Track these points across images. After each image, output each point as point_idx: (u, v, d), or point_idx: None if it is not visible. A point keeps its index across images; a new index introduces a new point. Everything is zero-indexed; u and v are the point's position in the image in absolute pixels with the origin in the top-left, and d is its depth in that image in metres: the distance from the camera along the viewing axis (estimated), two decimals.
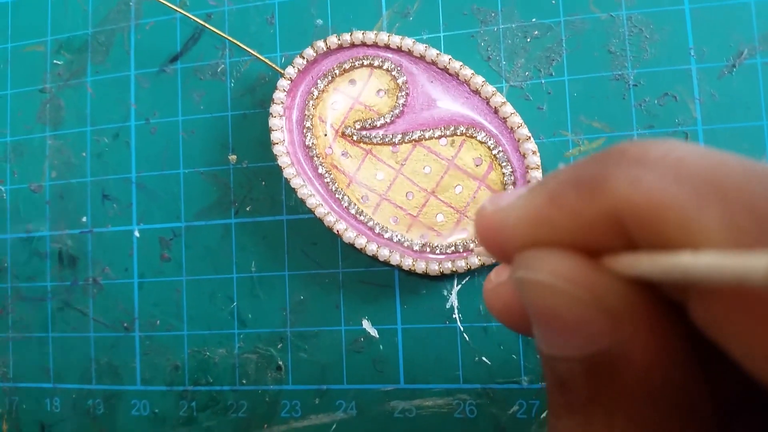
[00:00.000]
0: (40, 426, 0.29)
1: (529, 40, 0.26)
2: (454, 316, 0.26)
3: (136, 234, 0.29)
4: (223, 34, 0.26)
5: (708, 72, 0.24)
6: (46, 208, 0.30)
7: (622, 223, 0.10)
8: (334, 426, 0.26)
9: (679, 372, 0.10)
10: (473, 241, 0.25)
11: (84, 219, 0.29)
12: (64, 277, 0.29)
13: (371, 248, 0.25)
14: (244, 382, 0.27)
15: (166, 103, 0.29)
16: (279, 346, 0.27)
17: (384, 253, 0.25)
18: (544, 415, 0.25)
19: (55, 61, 0.30)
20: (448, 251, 0.25)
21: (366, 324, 0.26)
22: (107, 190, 0.29)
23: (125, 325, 0.29)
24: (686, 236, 0.09)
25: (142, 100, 0.29)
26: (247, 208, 0.28)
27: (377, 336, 0.26)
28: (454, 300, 0.26)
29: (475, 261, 0.24)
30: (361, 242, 0.25)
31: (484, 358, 0.25)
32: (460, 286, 0.26)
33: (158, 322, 0.28)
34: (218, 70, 0.28)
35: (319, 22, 0.28)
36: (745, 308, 0.09)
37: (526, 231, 0.11)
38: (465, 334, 0.25)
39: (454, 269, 0.24)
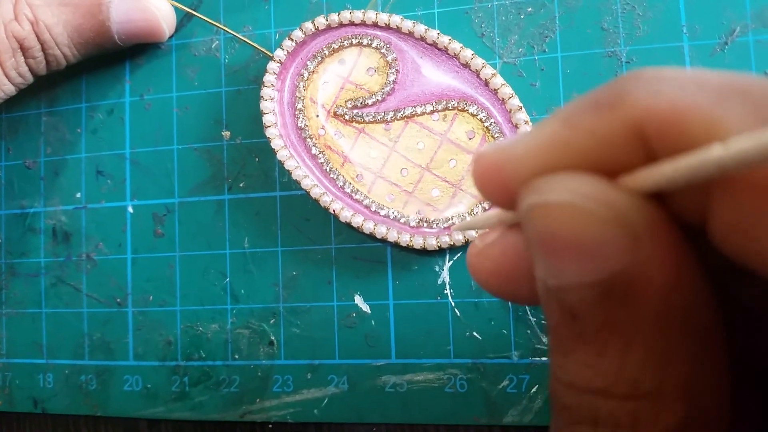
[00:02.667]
0: (33, 401, 0.30)
1: (522, 16, 0.26)
2: (445, 291, 0.26)
3: (130, 210, 0.29)
4: (210, 20, 0.27)
5: (700, 49, 0.25)
6: (40, 184, 0.30)
7: (642, 136, 0.10)
8: (326, 400, 0.27)
9: (696, 296, 0.10)
10: (470, 214, 0.25)
11: (78, 195, 0.30)
12: (58, 253, 0.30)
13: (368, 226, 0.26)
14: (237, 357, 0.28)
15: (160, 79, 0.29)
16: (271, 322, 0.28)
17: (381, 231, 0.25)
18: (534, 389, 0.25)
19: None
20: (444, 225, 0.26)
21: (358, 299, 0.27)
22: (101, 166, 0.30)
23: (118, 300, 0.29)
24: (711, 134, 0.09)
25: (136, 77, 0.30)
26: (241, 185, 0.28)
27: (369, 311, 0.27)
28: (445, 276, 0.26)
29: (472, 234, 0.25)
30: (357, 221, 0.26)
31: (474, 333, 0.26)
32: (451, 262, 0.26)
33: (151, 297, 0.29)
34: (212, 46, 0.29)
35: None
36: None
37: (536, 159, 0.11)
38: (456, 310, 0.26)
39: (451, 243, 0.25)
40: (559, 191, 0.10)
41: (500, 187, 0.12)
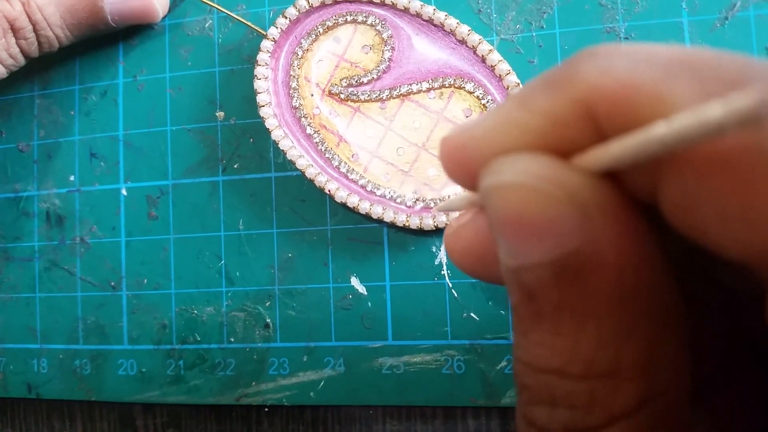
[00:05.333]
0: (27, 387, 0.30)
1: None
2: (442, 272, 0.26)
3: (124, 192, 0.30)
4: (206, 1, 0.27)
5: (700, 25, 0.25)
6: (34, 167, 0.31)
7: (593, 115, 0.10)
8: (322, 383, 0.27)
9: (652, 275, 0.10)
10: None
11: (72, 178, 0.30)
12: (52, 237, 0.30)
13: (364, 206, 0.26)
14: (232, 340, 0.28)
15: (153, 59, 0.29)
16: (267, 304, 0.28)
17: (377, 211, 0.26)
18: None
19: None
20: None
21: (354, 281, 0.27)
22: (95, 149, 0.30)
23: (112, 284, 0.29)
24: (659, 111, 0.09)
25: (130, 58, 0.30)
26: (235, 166, 0.28)
27: (366, 293, 0.27)
28: (442, 256, 0.26)
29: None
30: (353, 201, 0.26)
31: (472, 314, 0.26)
32: None
33: (145, 280, 0.29)
34: (206, 26, 0.29)
35: None
36: (719, 170, 0.09)
37: (495, 139, 0.11)
38: (453, 291, 0.26)
39: (449, 222, 0.25)
40: (512, 172, 0.10)
41: (464, 168, 0.12)
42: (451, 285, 0.26)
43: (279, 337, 0.28)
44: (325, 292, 0.27)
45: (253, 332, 0.28)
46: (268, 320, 0.28)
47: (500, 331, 0.26)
